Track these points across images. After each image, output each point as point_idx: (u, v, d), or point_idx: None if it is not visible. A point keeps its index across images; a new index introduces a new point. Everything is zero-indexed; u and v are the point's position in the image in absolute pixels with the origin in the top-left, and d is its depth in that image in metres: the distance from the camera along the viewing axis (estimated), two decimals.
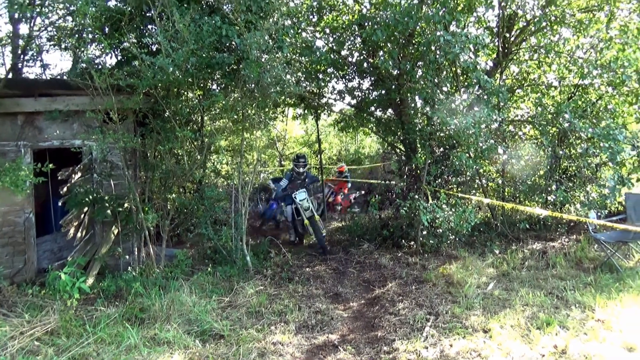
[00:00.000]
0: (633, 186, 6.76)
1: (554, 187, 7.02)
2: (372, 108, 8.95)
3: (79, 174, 6.86)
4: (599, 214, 6.29)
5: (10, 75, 7.93)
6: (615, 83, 6.55)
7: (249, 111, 6.72)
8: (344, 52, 8.50)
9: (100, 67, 5.84)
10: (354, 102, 9.14)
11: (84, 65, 6.11)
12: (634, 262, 5.60)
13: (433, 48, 6.38)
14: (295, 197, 7.81)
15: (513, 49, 7.87)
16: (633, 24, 6.57)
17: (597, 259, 5.74)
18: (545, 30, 7.59)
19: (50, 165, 5.51)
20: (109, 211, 6.32)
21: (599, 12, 7.17)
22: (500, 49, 7.56)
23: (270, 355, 3.77)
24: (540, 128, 7.22)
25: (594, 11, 7.22)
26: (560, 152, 7.21)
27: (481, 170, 7.78)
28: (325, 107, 9.83)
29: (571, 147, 7.44)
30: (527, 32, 7.70)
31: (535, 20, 6.96)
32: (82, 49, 6.24)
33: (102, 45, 6.57)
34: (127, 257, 6.49)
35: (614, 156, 6.03)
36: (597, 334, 3.69)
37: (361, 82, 8.86)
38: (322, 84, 8.96)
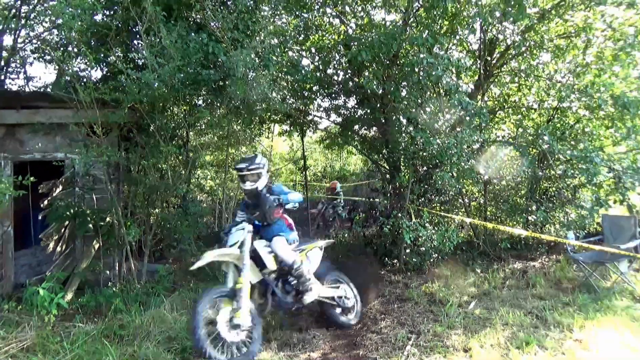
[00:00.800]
0: (610, 207, 6.94)
1: (534, 207, 7.15)
2: (357, 126, 9.04)
3: (61, 188, 6.78)
4: (577, 234, 6.41)
5: None
6: (592, 107, 6.75)
7: (235, 127, 6.76)
8: (329, 71, 8.60)
9: (85, 81, 5.83)
10: (339, 120, 9.22)
11: (68, 78, 6.10)
12: (610, 282, 5.70)
13: (417, 69, 6.51)
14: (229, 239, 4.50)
15: (494, 72, 8.07)
16: (608, 51, 6.80)
17: (575, 279, 5.85)
18: (525, 55, 7.81)
19: (32, 179, 5.44)
20: (90, 225, 6.24)
21: (576, 39, 7.41)
22: (482, 71, 7.74)
23: None
24: (521, 149, 7.38)
25: (571, 37, 7.46)
26: (540, 173, 7.36)
27: (463, 190, 7.90)
28: (311, 124, 9.90)
29: (550, 169, 7.61)
30: (507, 55, 7.91)
31: (515, 44, 7.16)
32: (67, 63, 6.22)
33: (88, 59, 6.57)
34: (108, 272, 6.40)
35: (590, 178, 6.19)
36: (574, 354, 3.75)
37: (347, 100, 8.94)
38: (308, 102, 9.05)
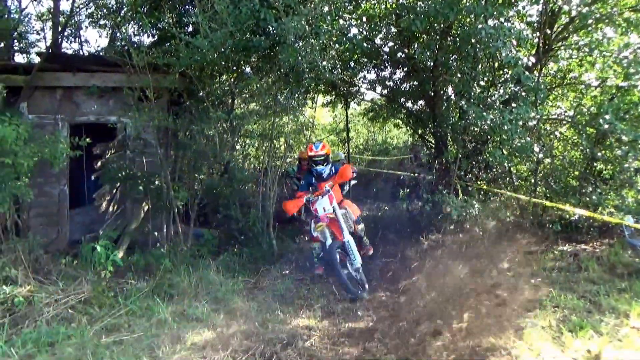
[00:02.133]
0: None
1: (589, 189, 6.82)
2: (403, 99, 8.83)
3: (113, 150, 6.99)
4: (636, 218, 6.09)
5: (50, 51, 8.11)
6: None
7: (279, 96, 6.72)
8: (377, 41, 8.39)
9: (138, 45, 5.90)
10: (385, 92, 9.04)
11: (122, 43, 6.20)
12: None
13: (473, 40, 6.24)
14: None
15: (554, 46, 7.64)
16: None
17: (631, 265, 5.55)
18: (589, 28, 7.33)
19: (87, 140, 5.63)
20: (140, 188, 6.44)
21: None
22: (541, 45, 7.34)
23: (299, 339, 3.79)
24: (579, 128, 7.02)
25: None
26: (599, 154, 6.99)
27: (513, 169, 7.62)
28: (356, 96, 9.75)
29: (609, 150, 7.22)
30: (570, 29, 7.45)
31: (581, 16, 6.72)
32: (121, 27, 6.31)
33: (141, 23, 6.65)
34: (156, 233, 6.61)
35: None
36: (632, 342, 3.59)
37: (393, 72, 8.74)
38: (355, 72, 8.90)
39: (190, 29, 6.94)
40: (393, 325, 4.13)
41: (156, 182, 6.52)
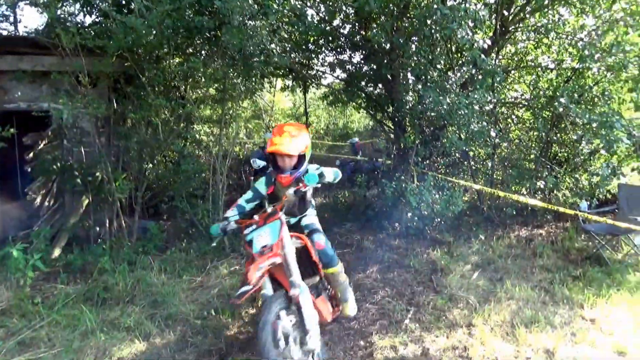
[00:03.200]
0: (623, 176, 6.59)
1: (545, 173, 6.79)
2: (363, 83, 8.58)
3: (47, 140, 6.47)
4: (589, 203, 6.09)
5: None
6: (615, 68, 6.27)
7: (234, 80, 6.34)
8: (335, 23, 8.07)
9: (65, 25, 5.37)
10: (344, 75, 8.77)
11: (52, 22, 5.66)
12: (622, 254, 5.43)
13: (429, 22, 6.01)
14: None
15: (511, 28, 7.52)
16: (637, 7, 6.24)
17: (585, 250, 5.57)
18: (546, 10, 7.23)
19: (12, 130, 5.12)
20: (78, 180, 5.98)
21: None
22: (498, 27, 7.20)
23: (237, 348, 3.51)
24: (535, 111, 6.95)
25: None
26: (555, 137, 6.96)
27: (470, 153, 7.53)
28: (314, 80, 9.44)
29: (563, 133, 7.21)
30: (526, 10, 7.33)
31: None
32: (52, 5, 5.74)
33: (80, 1, 6.12)
34: (98, 228, 6.18)
35: (610, 145, 5.80)
36: (587, 335, 3.50)
37: (352, 55, 8.47)
38: (312, 56, 8.58)
39: (131, 8, 6.42)
40: (343, 327, 3.91)
41: (96, 174, 6.07)
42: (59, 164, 6.02)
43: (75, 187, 6.04)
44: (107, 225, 6.17)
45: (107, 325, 3.70)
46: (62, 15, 6.06)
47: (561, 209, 5.38)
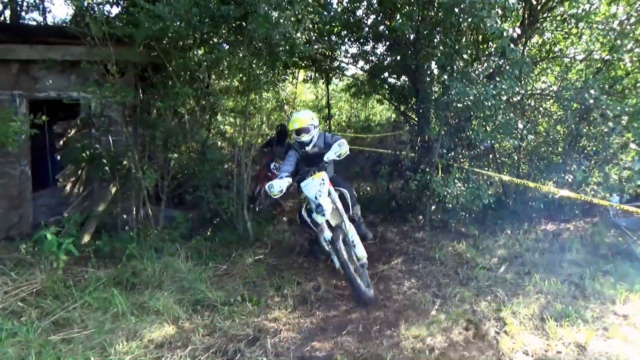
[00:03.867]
0: None
1: (574, 166, 6.64)
2: (386, 74, 8.50)
3: (76, 129, 6.59)
4: (620, 197, 5.94)
5: (8, 21, 7.58)
6: None
7: (257, 71, 6.35)
8: (359, 13, 8.01)
9: (95, 14, 5.44)
10: (367, 67, 8.71)
11: (80, 12, 5.74)
12: None
13: (456, 10, 5.91)
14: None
15: (539, 18, 7.34)
16: None
17: (616, 245, 5.44)
18: None
19: (44, 118, 5.23)
20: (107, 168, 6.09)
21: None
22: (526, 16, 7.04)
23: (266, 334, 3.54)
24: (564, 103, 6.79)
25: None
26: (584, 130, 6.80)
27: (496, 145, 7.41)
28: (337, 71, 9.40)
29: (592, 126, 7.03)
30: None
31: None
32: None
33: None
34: (125, 216, 6.28)
35: None
36: (619, 331, 3.43)
37: (376, 46, 8.39)
38: (335, 47, 8.54)
39: None
40: (369, 316, 3.91)
41: (124, 162, 6.16)
42: (87, 152, 6.12)
43: (103, 175, 6.15)
44: (134, 213, 6.27)
45: (137, 308, 3.77)
46: (90, 4, 6.16)
47: (595, 200, 5.26)
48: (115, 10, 6.97)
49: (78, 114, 6.56)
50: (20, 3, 8.54)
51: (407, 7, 6.97)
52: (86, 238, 5.78)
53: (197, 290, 4.14)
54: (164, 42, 5.58)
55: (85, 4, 5.76)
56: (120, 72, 5.74)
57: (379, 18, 7.85)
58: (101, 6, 6.32)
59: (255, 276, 4.65)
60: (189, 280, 4.30)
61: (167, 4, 4.81)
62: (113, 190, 6.36)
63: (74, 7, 6.32)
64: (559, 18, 7.60)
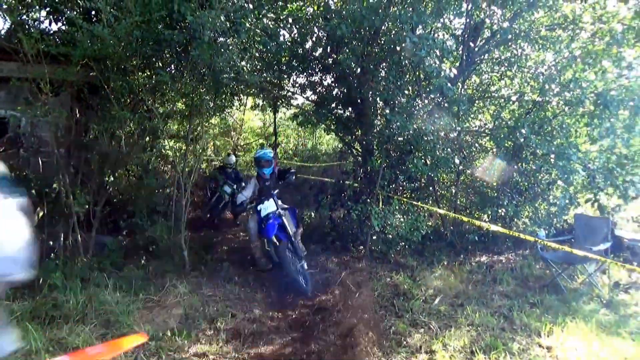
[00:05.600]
0: (579, 206, 6.85)
1: (505, 201, 6.97)
2: (333, 105, 8.66)
3: (3, 148, 6.20)
4: (547, 232, 6.27)
5: None
6: (573, 102, 6.56)
7: (202, 96, 6.26)
8: (307, 45, 8.16)
9: (31, 30, 5.22)
10: (314, 97, 8.85)
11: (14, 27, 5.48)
12: (578, 283, 5.58)
13: (398, 49, 6.16)
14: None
15: (476, 59, 7.78)
16: (595, 46, 6.58)
17: (543, 278, 5.70)
18: (509, 43, 7.54)
19: None
20: (33, 191, 5.72)
21: (562, 31, 7.17)
22: (464, 57, 7.44)
23: None
24: (498, 141, 7.17)
25: (558, 29, 7.22)
26: (515, 167, 7.17)
27: (435, 178, 7.66)
28: (285, 100, 9.48)
29: (524, 162, 7.43)
30: (492, 43, 7.63)
31: (502, 31, 6.86)
32: (19, 11, 5.56)
33: (46, 8, 5.95)
34: (52, 243, 5.89)
35: (567, 175, 6.03)
36: None
37: (323, 77, 8.56)
38: (283, 76, 8.62)
39: (100, 16, 6.30)
40: (304, 350, 3.83)
41: (54, 185, 5.82)
42: (14, 173, 5.74)
43: (30, 199, 5.77)
44: (62, 239, 5.90)
45: (53, 344, 3.49)
46: (26, 20, 5.89)
47: (522, 235, 5.51)
48: (53, 27, 6.72)
49: (6, 132, 6.18)
50: None
51: (353, 42, 7.19)
52: None
53: (123, 324, 3.90)
54: (103, 63, 5.40)
55: (20, 19, 5.47)
56: (54, 91, 5.49)
57: (327, 51, 8.03)
58: (37, 22, 6.05)
59: (188, 308, 4.47)
60: (115, 313, 4.05)
61: (107, 25, 4.68)
62: (39, 214, 5.98)
63: (9, 22, 6.02)
64: (494, 61, 8.10)
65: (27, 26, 5.66)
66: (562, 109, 7.06)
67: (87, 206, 5.84)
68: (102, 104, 5.88)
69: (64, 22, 6.55)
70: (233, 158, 9.72)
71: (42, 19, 6.35)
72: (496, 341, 3.84)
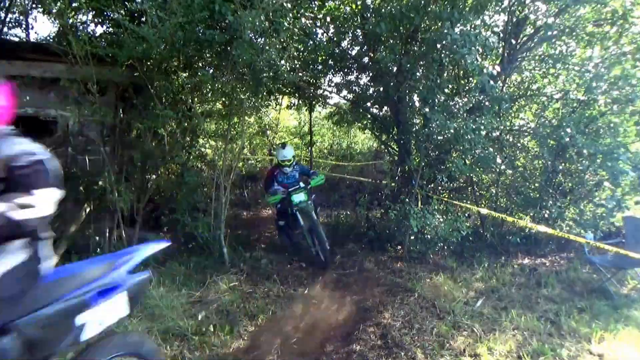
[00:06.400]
0: (629, 209, 6.55)
1: (549, 202, 6.74)
2: (369, 104, 8.61)
3: (52, 146, 6.44)
4: (595, 234, 6.03)
5: None
6: (622, 101, 6.30)
7: (241, 96, 6.34)
8: (344, 44, 8.14)
9: (78, 33, 5.41)
10: (350, 96, 8.82)
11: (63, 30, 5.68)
12: (627, 289, 5.35)
13: (438, 46, 6.06)
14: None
15: (518, 57, 7.57)
16: None
17: (590, 282, 5.48)
18: (554, 40, 7.30)
19: None
20: (81, 188, 5.94)
21: (611, 27, 6.89)
22: (505, 55, 7.25)
23: None
24: (541, 140, 6.95)
25: (606, 25, 6.94)
26: (560, 167, 6.94)
27: (474, 179, 7.50)
28: (321, 99, 9.48)
29: (568, 163, 7.18)
30: (534, 39, 7.40)
31: (546, 26, 6.64)
32: (65, 14, 5.77)
33: (93, 11, 6.16)
34: (98, 238, 6.10)
35: (615, 177, 5.80)
36: None
37: (359, 76, 8.52)
38: (319, 75, 8.63)
39: (143, 19, 6.48)
40: (345, 349, 3.81)
41: (99, 183, 6.02)
42: (62, 171, 5.96)
43: (77, 195, 5.99)
44: (107, 235, 6.10)
45: None
46: (74, 23, 6.11)
47: (572, 237, 5.31)
48: (99, 30, 6.96)
49: (55, 131, 6.42)
50: (3, 19, 8.43)
51: (391, 41, 7.12)
52: (55, 259, 5.56)
53: (167, 318, 3.99)
54: (147, 63, 5.54)
55: (69, 23, 5.68)
56: (101, 91, 5.67)
57: (363, 50, 7.99)
58: (85, 25, 6.27)
59: (229, 304, 4.52)
60: (160, 307, 4.15)
61: (152, 27, 4.80)
62: (86, 210, 6.20)
63: (58, 25, 6.27)
64: (537, 58, 7.87)
65: (75, 29, 5.88)
66: (610, 108, 6.79)
67: (130, 203, 6.01)
68: (146, 104, 6.03)
69: (109, 25, 6.78)
70: (290, 150, 6.92)
71: (87, 22, 6.61)
72: (544, 347, 3.71)
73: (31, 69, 6.05)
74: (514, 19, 7.02)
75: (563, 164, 7.22)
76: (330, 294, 5.15)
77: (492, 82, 5.73)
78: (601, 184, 6.89)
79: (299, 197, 6.28)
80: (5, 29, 8.65)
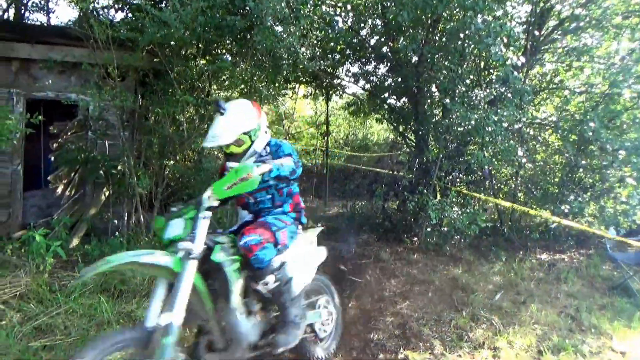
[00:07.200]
0: None
1: (570, 197, 6.62)
2: (387, 94, 8.54)
3: (73, 130, 6.50)
4: (617, 231, 5.92)
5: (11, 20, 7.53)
6: None
7: (258, 83, 6.32)
8: (363, 32, 8.05)
9: (101, 17, 5.41)
10: (367, 86, 8.74)
11: (85, 14, 5.69)
12: None
13: (461, 36, 5.95)
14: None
15: (541, 48, 7.42)
16: None
17: (610, 279, 5.39)
18: (579, 32, 7.12)
19: (40, 117, 5.14)
20: (101, 172, 5.98)
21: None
22: (528, 46, 7.11)
23: None
24: (563, 134, 6.82)
25: (634, 16, 6.76)
26: (583, 162, 6.80)
27: (494, 172, 7.40)
28: (338, 89, 9.42)
29: (590, 158, 7.04)
30: (559, 31, 7.24)
31: (573, 17, 6.48)
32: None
33: None
34: (116, 221, 6.16)
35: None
36: None
37: (377, 66, 8.44)
38: (337, 64, 8.56)
39: (163, 4, 6.47)
40: (363, 337, 3.80)
41: (119, 167, 6.06)
42: (82, 155, 6.02)
43: (97, 179, 6.05)
44: (126, 218, 6.16)
45: (123, 317, 3.64)
46: (95, 8, 6.13)
47: (597, 231, 5.21)
48: (119, 15, 6.96)
49: (75, 115, 6.47)
50: (25, 3, 8.49)
51: (412, 30, 7.02)
52: (75, 242, 5.64)
53: None
54: (167, 48, 5.53)
55: (91, 7, 5.69)
56: (121, 76, 5.69)
57: (383, 39, 7.90)
58: (106, 10, 6.28)
59: None
60: None
61: (173, 11, 4.78)
62: (106, 194, 6.25)
63: (79, 10, 6.28)
64: (560, 50, 7.69)
65: (96, 13, 5.90)
66: (636, 102, 6.63)
67: (148, 187, 6.04)
68: (165, 89, 6.03)
69: (129, 10, 6.78)
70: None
71: (108, 6, 6.62)
72: (564, 342, 3.66)
73: (53, 52, 6.06)
74: (538, 10, 6.86)
75: (585, 159, 7.08)
76: (347, 282, 5.13)
77: (515, 73, 5.61)
78: (623, 180, 6.75)
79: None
80: (27, 13, 8.71)
